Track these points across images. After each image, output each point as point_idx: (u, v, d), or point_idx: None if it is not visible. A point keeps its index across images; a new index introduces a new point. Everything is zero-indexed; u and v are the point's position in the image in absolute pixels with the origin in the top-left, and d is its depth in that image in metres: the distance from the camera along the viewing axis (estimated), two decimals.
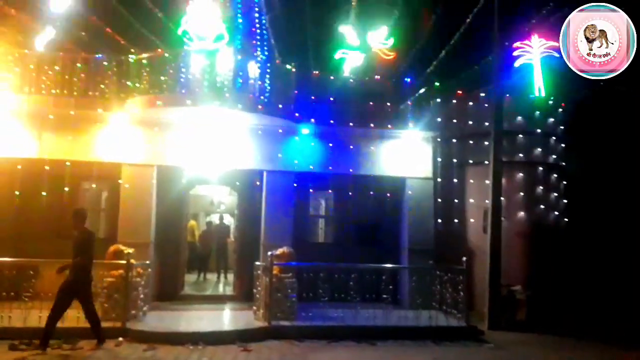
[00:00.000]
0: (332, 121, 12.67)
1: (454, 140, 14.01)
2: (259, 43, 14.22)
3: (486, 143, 12.60)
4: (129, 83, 11.49)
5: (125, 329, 9.36)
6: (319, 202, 15.52)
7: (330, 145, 12.74)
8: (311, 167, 12.59)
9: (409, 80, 14.21)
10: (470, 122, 13.92)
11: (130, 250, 10.18)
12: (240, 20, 13.38)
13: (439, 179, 13.54)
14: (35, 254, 9.77)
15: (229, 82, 11.57)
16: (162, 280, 12.57)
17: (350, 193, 13.28)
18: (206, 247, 16.32)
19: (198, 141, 12.02)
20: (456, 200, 14.00)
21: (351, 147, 12.84)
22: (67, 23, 12.46)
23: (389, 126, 13.01)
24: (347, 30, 14.75)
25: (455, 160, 13.97)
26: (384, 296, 10.97)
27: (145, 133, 11.82)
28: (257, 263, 11.21)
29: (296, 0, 15.57)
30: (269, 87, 12.40)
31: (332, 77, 13.87)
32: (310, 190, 13.95)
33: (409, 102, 13.53)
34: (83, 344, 8.72)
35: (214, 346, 8.96)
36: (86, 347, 8.63)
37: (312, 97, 12.99)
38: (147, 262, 10.89)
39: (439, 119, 13.80)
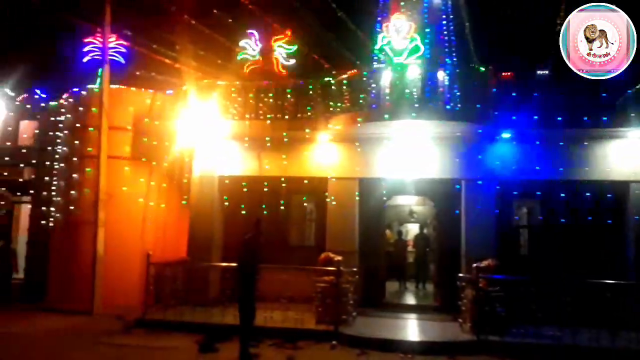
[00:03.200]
0: (535, 123, 11.75)
1: None
2: (447, 50, 14.08)
3: None
4: (331, 103, 12.34)
5: (337, 332, 9.98)
6: (522, 211, 14.54)
7: (535, 149, 11.87)
8: (514, 173, 11.89)
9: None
10: None
11: (339, 258, 10.85)
12: (427, 30, 13.43)
13: None
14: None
15: (423, 93, 11.64)
16: (366, 288, 13.09)
17: (560, 201, 12.13)
18: (400, 256, 16.54)
19: (396, 153, 12.34)
20: None
21: (559, 150, 11.77)
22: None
23: (606, 124, 11.57)
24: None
25: None
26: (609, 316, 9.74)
27: (347, 149, 12.60)
28: (461, 275, 10.97)
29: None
30: (463, 93, 12.04)
31: (532, 74, 12.82)
32: (514, 199, 13.12)
33: (627, 95, 11.88)
34: (302, 344, 9.56)
35: (423, 356, 9.03)
36: (305, 347, 9.44)
37: (512, 99, 12.18)
38: (354, 269, 11.48)
39: None
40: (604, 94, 11.91)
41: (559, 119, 11.63)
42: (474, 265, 10.20)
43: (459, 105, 11.74)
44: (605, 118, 11.62)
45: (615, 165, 11.59)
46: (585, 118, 11.59)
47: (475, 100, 11.85)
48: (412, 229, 17.95)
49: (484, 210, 12.01)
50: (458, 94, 11.98)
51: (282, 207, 12.89)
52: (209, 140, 13.17)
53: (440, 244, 13.70)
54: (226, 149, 13.19)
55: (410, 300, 14.64)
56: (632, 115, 11.53)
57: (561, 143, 11.76)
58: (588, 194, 11.87)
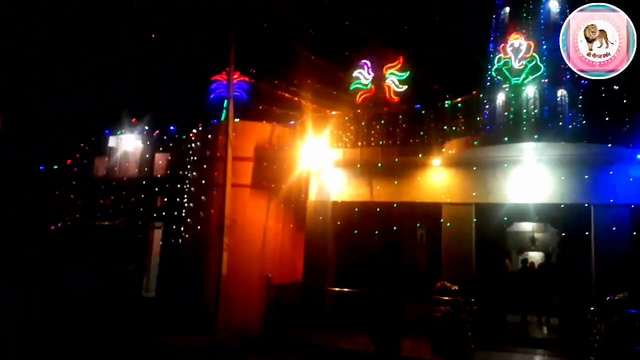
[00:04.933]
0: None
1: None
2: (566, 66, 13.32)
3: None
4: (445, 127, 12.22)
5: None
6: None
7: None
8: None
9: None
10: None
11: (456, 287, 10.55)
12: (545, 47, 12.84)
13: None
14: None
15: (542, 114, 11.11)
16: (484, 319, 12.49)
17: None
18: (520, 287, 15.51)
19: (515, 177, 11.85)
20: None
21: None
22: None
23: None
24: None
25: None
26: None
27: (462, 173, 12.34)
28: (592, 308, 10.11)
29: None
30: (587, 113, 11.31)
31: None
32: None
33: None
34: None
35: None
36: None
37: None
38: (472, 299, 11.07)
39: None
40: None
41: None
42: (608, 298, 9.38)
43: (581, 125, 11.01)
44: None
45: None
46: None
47: (606, 118, 11.06)
48: (533, 257, 16.89)
49: (617, 237, 11.03)
50: (582, 113, 11.27)
51: (394, 233, 12.86)
52: (324, 167, 13.66)
53: (565, 273, 12.74)
54: (339, 176, 13.58)
55: (533, 334, 13.71)
56: None
57: None
58: None
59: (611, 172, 11.20)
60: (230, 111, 13.41)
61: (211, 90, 14.94)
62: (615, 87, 11.28)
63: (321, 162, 13.56)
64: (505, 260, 15.82)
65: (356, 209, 13.35)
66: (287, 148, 13.89)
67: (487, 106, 11.77)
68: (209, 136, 14.43)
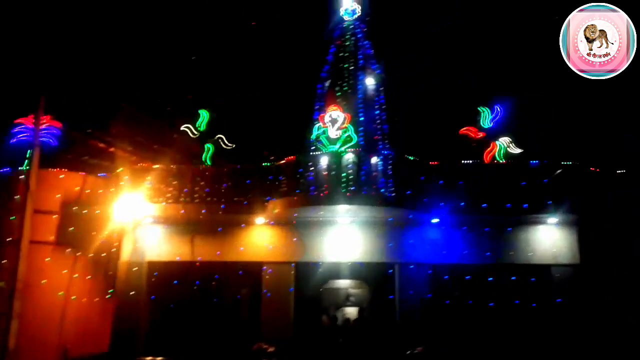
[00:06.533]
0: (463, 209, 12.39)
1: (603, 224, 12.85)
2: (381, 139, 14.87)
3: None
4: (269, 187, 12.50)
5: None
6: (454, 295, 14.85)
7: (463, 234, 12.47)
8: (445, 257, 12.32)
9: (541, 161, 13.51)
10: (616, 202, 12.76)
11: (272, 349, 10.49)
12: (362, 119, 14.21)
13: (587, 266, 12.37)
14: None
15: (357, 180, 12.10)
16: None
17: (488, 284, 12.59)
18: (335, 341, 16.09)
19: (332, 237, 12.52)
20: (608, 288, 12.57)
21: (485, 235, 12.44)
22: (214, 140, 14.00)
23: (526, 211, 12.36)
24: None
25: (606, 244, 12.74)
26: None
27: (284, 232, 12.65)
28: None
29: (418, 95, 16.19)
30: (395, 181, 12.67)
31: (460, 163, 13.59)
32: (446, 282, 13.45)
33: (546, 185, 12.82)
34: None
35: None
36: None
37: (443, 188, 12.80)
38: None
39: (581, 201, 12.83)
40: (524, 182, 12.87)
41: (484, 205, 12.32)
42: (408, 352, 10.18)
43: (392, 191, 12.24)
44: (526, 205, 12.40)
45: (537, 249, 12.28)
46: (508, 205, 12.34)
47: (407, 186, 12.45)
48: (349, 313, 17.70)
49: (417, 294, 12.21)
50: (391, 180, 12.56)
51: (213, 291, 12.48)
52: (141, 224, 12.80)
53: (373, 327, 13.61)
54: (158, 233, 12.86)
55: None
56: (550, 202, 12.39)
57: (487, 229, 12.39)
58: (513, 275, 12.42)
59: (412, 235, 12.49)
60: (35, 158, 11.93)
61: (14, 134, 13.19)
62: (412, 158, 12.89)
63: (139, 218, 12.69)
64: (323, 317, 16.32)
65: (175, 269, 12.68)
66: (101, 201, 12.75)
67: (311, 169, 12.42)
68: (8, 185, 12.58)
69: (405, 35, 19.31)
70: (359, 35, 16.01)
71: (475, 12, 18.27)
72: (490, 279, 12.49)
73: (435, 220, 12.44)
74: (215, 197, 12.67)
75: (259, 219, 12.52)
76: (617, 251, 12.39)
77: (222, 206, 12.41)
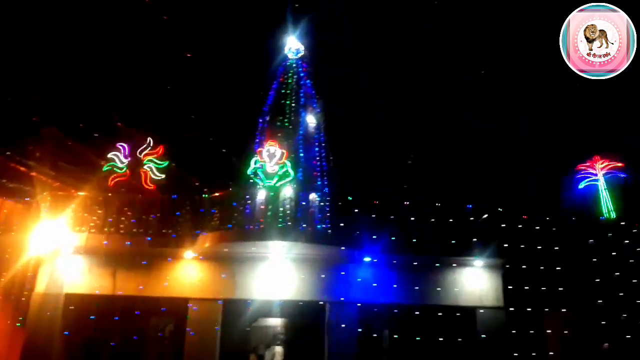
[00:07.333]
0: (393, 248, 12.52)
1: (525, 267, 13.39)
2: (319, 176, 14.98)
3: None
4: (200, 221, 12.14)
5: None
6: (384, 334, 14.88)
7: (393, 273, 12.55)
8: (375, 296, 12.33)
9: (471, 205, 13.98)
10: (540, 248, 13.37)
11: None
12: (302, 155, 14.31)
13: (511, 309, 12.76)
14: None
15: (292, 216, 12.03)
16: None
17: (415, 322, 12.69)
18: None
19: (263, 274, 12.24)
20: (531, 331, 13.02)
21: (414, 274, 12.57)
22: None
23: (454, 253, 12.69)
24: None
25: (527, 288, 13.25)
26: None
27: (212, 268, 12.23)
28: None
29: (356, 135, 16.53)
30: (330, 218, 12.68)
31: (394, 205, 13.85)
32: (375, 321, 13.44)
33: (473, 229, 13.27)
34: None
35: None
36: None
37: (375, 227, 12.96)
38: None
39: (506, 245, 13.35)
40: (454, 224, 13.24)
41: (414, 245, 12.52)
42: None
43: (327, 229, 12.21)
44: (454, 247, 12.74)
45: (463, 291, 12.54)
46: (436, 246, 12.63)
47: (342, 225, 12.46)
48: (279, 352, 17.28)
49: (346, 332, 12.10)
50: (327, 218, 12.55)
51: (136, 328, 11.80)
52: (59, 255, 12.03)
53: None
54: (78, 264, 12.11)
55: None
56: (476, 245, 12.79)
57: (415, 269, 12.55)
58: (442, 317, 12.58)
59: (343, 273, 12.45)
60: None
61: None
62: (349, 197, 13.00)
63: (58, 247, 11.95)
64: (251, 356, 15.84)
65: (96, 304, 11.93)
66: (18, 228, 11.94)
67: (246, 203, 12.21)
68: None
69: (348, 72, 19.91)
70: (301, 74, 16.32)
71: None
72: (417, 318, 12.59)
73: (367, 259, 12.49)
74: (142, 228, 12.15)
75: (188, 253, 12.08)
76: (538, 294, 12.96)
77: (148, 238, 11.90)
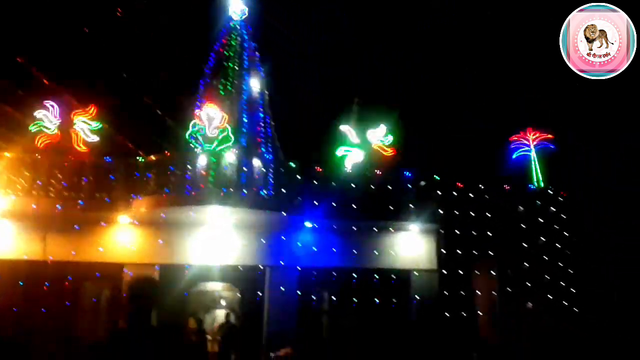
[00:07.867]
0: (333, 214, 12.69)
1: (458, 232, 13.94)
2: (263, 141, 14.77)
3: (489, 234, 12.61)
4: (136, 184, 11.77)
5: None
6: (322, 296, 15.20)
7: (332, 238, 12.79)
8: (314, 260, 12.53)
9: (408, 174, 14.25)
10: (473, 214, 13.93)
11: None
12: (245, 120, 14.01)
13: (444, 271, 13.31)
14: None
15: (234, 181, 11.85)
16: None
17: (352, 286, 13.05)
18: (200, 347, 15.62)
19: (202, 239, 12.13)
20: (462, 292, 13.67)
21: (352, 239, 12.87)
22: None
23: (393, 219, 13.01)
24: (347, 129, 14.90)
25: (459, 252, 13.82)
26: None
27: (149, 233, 11.97)
28: None
29: (299, 101, 16.35)
30: (272, 184, 12.63)
31: (334, 173, 13.93)
32: (314, 284, 13.71)
33: (410, 195, 13.62)
34: None
35: None
36: None
37: (316, 193, 13.06)
38: None
39: (441, 212, 13.80)
40: (392, 194, 13.54)
41: (353, 211, 12.73)
42: (271, 354, 10.17)
43: (268, 195, 12.15)
44: (391, 212, 13.06)
45: (399, 255, 12.95)
46: (374, 211, 12.90)
47: (284, 191, 12.47)
48: (219, 315, 17.33)
49: (286, 296, 12.28)
50: (272, 185, 12.48)
51: (68, 294, 11.45)
52: None
53: (243, 332, 13.43)
54: (5, 229, 11.53)
55: None
56: (413, 211, 13.16)
57: (356, 235, 12.81)
58: (379, 280, 12.99)
59: (284, 237, 12.53)
60: None
61: None
62: (292, 164, 12.94)
63: None
64: (190, 319, 15.79)
65: (23, 269, 11.45)
66: None
67: (184, 167, 11.89)
68: None
69: (293, 40, 19.57)
70: (245, 37, 15.80)
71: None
72: (355, 280, 12.93)
73: (308, 224, 12.60)
74: (73, 192, 11.66)
75: (123, 218, 11.74)
76: (470, 258, 13.57)
77: (80, 202, 11.45)
